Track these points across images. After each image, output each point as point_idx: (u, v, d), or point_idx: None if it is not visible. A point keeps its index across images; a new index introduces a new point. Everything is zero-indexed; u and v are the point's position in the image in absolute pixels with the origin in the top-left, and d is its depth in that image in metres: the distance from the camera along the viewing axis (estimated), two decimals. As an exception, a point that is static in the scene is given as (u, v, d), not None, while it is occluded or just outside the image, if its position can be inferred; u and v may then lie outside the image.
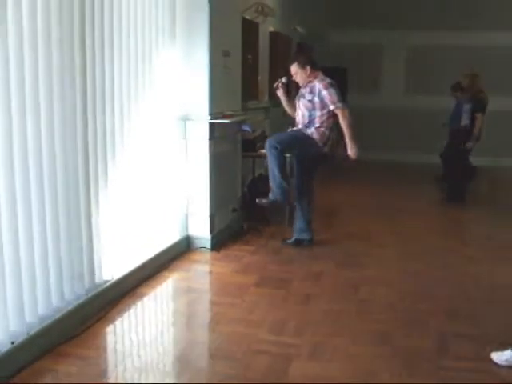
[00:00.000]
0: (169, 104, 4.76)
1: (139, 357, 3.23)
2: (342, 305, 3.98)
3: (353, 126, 4.90)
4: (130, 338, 3.51)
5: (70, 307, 3.42)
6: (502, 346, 3.13)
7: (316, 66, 5.03)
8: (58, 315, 3.30)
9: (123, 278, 4.04)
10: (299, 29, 9.42)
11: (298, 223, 5.27)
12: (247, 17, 6.61)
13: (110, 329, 3.56)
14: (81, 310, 3.50)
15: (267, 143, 4.99)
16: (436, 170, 8.67)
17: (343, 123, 4.88)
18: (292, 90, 5.26)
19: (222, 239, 5.24)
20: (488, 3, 10.02)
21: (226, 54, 5.20)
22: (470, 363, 3.13)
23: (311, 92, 4.94)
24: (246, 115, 6.00)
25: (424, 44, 10.41)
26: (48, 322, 3.21)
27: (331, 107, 4.86)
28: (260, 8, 7.08)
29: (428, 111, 10.14)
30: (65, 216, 3.37)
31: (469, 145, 7.42)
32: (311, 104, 4.93)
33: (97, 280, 3.74)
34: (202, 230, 5.11)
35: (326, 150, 5.01)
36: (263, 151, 6.06)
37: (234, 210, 5.66)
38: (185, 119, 4.94)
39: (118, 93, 3.91)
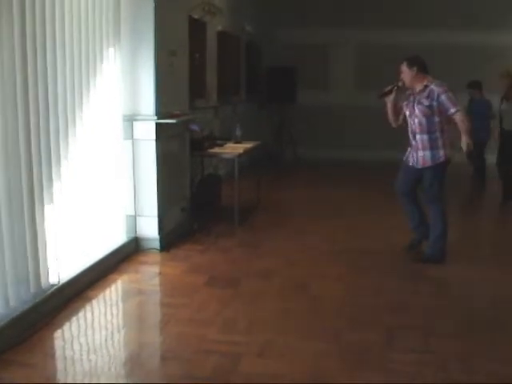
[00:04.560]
0: (115, 104, 4.71)
1: (89, 361, 3.20)
2: (291, 302, 4.05)
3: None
4: (79, 343, 3.46)
5: (15, 314, 3.34)
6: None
7: (424, 70, 4.78)
8: (2, 322, 3.22)
9: (70, 281, 3.98)
10: (248, 28, 9.48)
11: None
12: (194, 16, 6.60)
13: (57, 334, 3.50)
14: (27, 315, 3.43)
15: (432, 197, 4.85)
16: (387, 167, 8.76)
17: (462, 127, 4.68)
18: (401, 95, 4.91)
19: (171, 239, 5.22)
20: (431, 2, 10.34)
21: (173, 53, 5.18)
22: (417, 355, 3.24)
23: (428, 97, 4.69)
24: (194, 114, 6.00)
25: (372, 42, 10.60)
26: (-8, 329, 3.14)
27: (452, 110, 4.64)
28: (207, 7, 7.09)
29: (379, 109, 10.31)
30: (7, 219, 3.29)
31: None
32: (430, 110, 4.70)
33: (43, 285, 3.68)
34: (150, 231, 5.08)
35: (448, 153, 4.80)
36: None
37: (183, 209, 5.64)
38: (131, 119, 4.90)
39: (61, 94, 3.84)
